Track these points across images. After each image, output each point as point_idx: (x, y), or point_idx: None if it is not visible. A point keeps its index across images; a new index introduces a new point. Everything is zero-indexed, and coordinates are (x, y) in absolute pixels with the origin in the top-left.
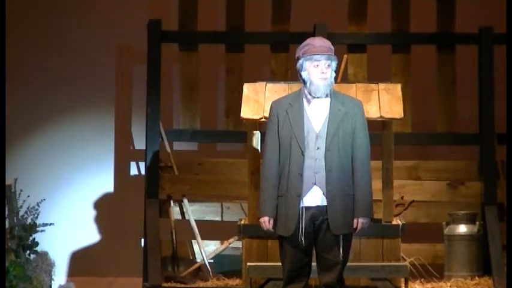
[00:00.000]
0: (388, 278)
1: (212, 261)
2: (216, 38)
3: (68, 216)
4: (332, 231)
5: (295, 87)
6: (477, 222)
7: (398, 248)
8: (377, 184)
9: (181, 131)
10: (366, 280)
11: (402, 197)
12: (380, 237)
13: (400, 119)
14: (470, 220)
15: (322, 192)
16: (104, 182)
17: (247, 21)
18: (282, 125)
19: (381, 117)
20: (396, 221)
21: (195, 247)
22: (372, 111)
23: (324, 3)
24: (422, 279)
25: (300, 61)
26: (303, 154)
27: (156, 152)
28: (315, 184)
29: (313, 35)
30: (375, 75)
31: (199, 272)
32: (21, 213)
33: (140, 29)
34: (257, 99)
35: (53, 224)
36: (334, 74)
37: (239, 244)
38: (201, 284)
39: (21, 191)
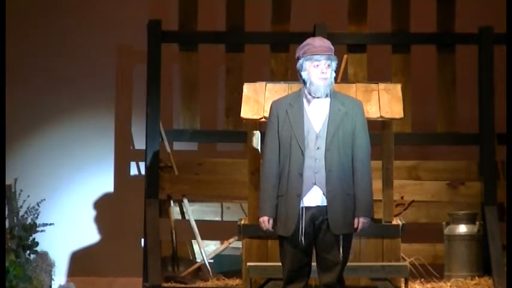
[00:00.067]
0: (388, 278)
1: (212, 261)
2: (216, 38)
3: (68, 216)
4: (332, 231)
5: (295, 87)
6: (477, 222)
7: (398, 248)
8: (377, 184)
9: (181, 131)
10: (366, 280)
11: (402, 197)
12: (380, 237)
13: (400, 119)
14: (470, 220)
15: (322, 192)
16: (104, 182)
17: (247, 21)
18: (282, 125)
19: (381, 117)
20: (396, 221)
21: (195, 247)
22: (372, 111)
23: (324, 3)
24: (422, 279)
25: (300, 61)
26: (303, 154)
27: (156, 152)
28: (315, 184)
29: (313, 35)
30: (375, 75)
31: (199, 272)
32: (21, 213)
33: (140, 29)
34: (257, 99)
35: (53, 224)
36: (334, 74)
37: (239, 244)
38: (201, 284)
39: (21, 191)
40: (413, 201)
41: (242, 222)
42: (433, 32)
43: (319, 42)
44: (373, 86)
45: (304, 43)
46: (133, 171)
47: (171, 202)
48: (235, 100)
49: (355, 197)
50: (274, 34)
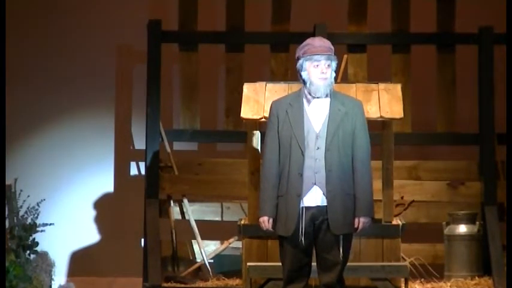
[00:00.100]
0: (388, 278)
1: (212, 261)
2: (216, 38)
3: (68, 216)
4: (332, 231)
5: (295, 87)
6: (477, 222)
7: (398, 248)
8: (377, 184)
9: (181, 131)
10: (366, 280)
11: (402, 197)
12: (380, 237)
13: (400, 119)
14: (470, 220)
15: (322, 192)
16: (104, 182)
17: (247, 21)
18: (282, 125)
19: (381, 117)
20: (396, 221)
21: (195, 247)
22: (372, 111)
23: (324, 3)
24: (422, 279)
25: (300, 61)
26: (303, 154)
27: (156, 152)
28: (315, 184)
29: (313, 35)
30: (375, 75)
31: (199, 272)
32: (21, 213)
33: (140, 29)
34: (257, 99)
35: (53, 224)
36: (334, 74)
37: (239, 244)
38: (201, 284)
39: (21, 191)
40: (413, 201)
41: (242, 222)
42: (433, 32)
43: (319, 42)
44: (373, 86)
45: (304, 43)
46: (133, 171)
47: (171, 202)
48: (235, 100)
49: (355, 197)
50: (274, 34)
